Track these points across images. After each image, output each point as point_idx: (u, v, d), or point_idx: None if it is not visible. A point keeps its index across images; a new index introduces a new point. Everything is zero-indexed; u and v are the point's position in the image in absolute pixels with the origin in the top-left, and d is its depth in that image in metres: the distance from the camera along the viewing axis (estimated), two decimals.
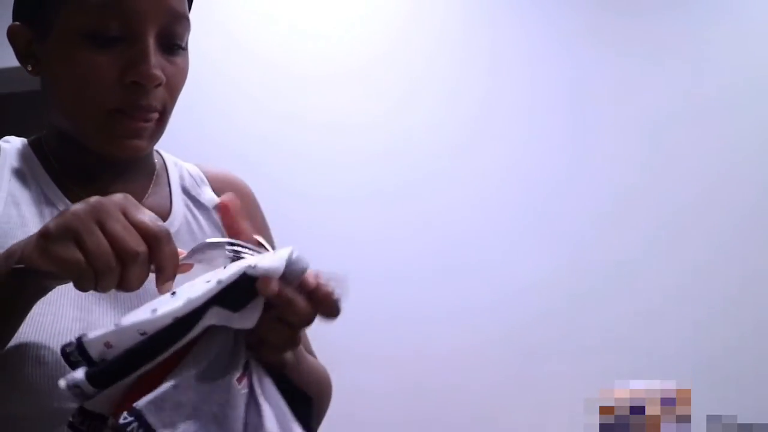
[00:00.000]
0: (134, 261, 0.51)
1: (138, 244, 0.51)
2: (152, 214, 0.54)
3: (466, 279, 2.03)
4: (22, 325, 0.60)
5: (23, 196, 0.72)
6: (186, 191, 0.83)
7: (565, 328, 1.96)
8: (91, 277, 0.51)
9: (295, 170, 2.13)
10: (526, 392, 1.94)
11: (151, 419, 0.47)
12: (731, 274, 1.92)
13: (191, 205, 0.81)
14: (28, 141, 0.78)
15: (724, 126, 1.99)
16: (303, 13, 2.26)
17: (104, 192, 0.75)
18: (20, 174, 0.73)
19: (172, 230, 0.74)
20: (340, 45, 2.23)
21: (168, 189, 0.81)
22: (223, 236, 0.58)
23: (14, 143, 0.77)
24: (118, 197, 0.54)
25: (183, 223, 0.78)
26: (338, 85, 2.20)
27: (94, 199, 0.54)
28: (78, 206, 0.53)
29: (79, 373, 0.50)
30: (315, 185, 2.10)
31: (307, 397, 0.57)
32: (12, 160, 0.74)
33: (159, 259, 0.53)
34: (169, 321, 0.50)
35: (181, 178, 0.84)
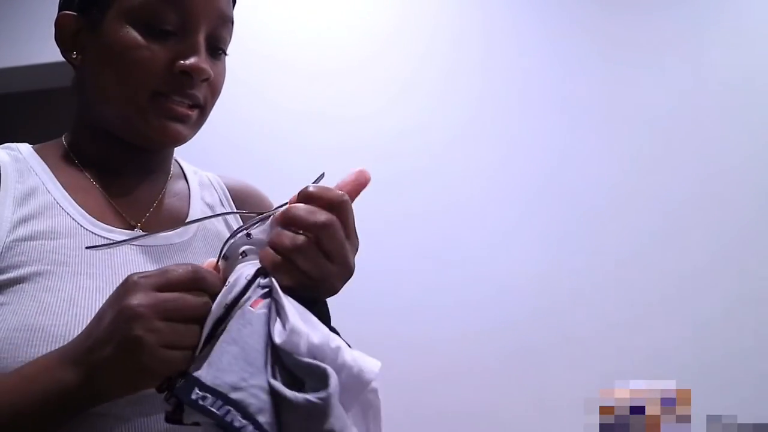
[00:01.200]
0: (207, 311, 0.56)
1: (200, 301, 0.55)
2: (174, 269, 0.56)
3: (463, 277, 2.03)
4: (48, 338, 0.61)
5: (31, 209, 0.70)
6: (204, 199, 0.85)
7: (565, 328, 1.96)
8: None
9: (295, 162, 2.13)
10: (526, 392, 1.94)
11: (192, 369, 0.53)
12: (731, 274, 1.92)
13: (207, 211, 0.83)
14: (33, 147, 0.78)
15: (721, 124, 1.99)
16: (301, 9, 2.27)
17: (126, 186, 0.77)
18: (24, 186, 0.72)
19: (188, 235, 0.77)
20: (338, 40, 2.23)
21: (187, 193, 0.83)
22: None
23: (15, 152, 0.76)
24: (141, 281, 0.55)
25: (199, 228, 0.80)
26: (336, 78, 2.20)
27: (140, 296, 0.54)
28: (133, 310, 0.53)
29: None
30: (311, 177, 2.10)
31: (323, 301, 0.61)
32: (13, 173, 0.72)
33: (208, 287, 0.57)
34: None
35: (201, 185, 0.86)
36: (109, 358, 0.53)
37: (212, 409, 0.49)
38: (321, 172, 0.63)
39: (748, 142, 1.98)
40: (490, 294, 2.01)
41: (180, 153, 0.91)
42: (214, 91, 0.76)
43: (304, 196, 0.59)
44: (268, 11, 2.29)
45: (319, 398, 0.49)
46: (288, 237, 0.56)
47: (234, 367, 0.51)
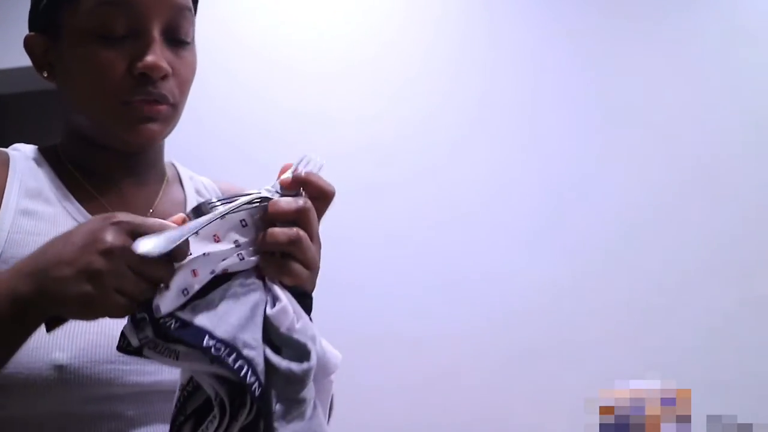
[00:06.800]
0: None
1: (159, 270, 0.54)
2: (153, 221, 0.55)
3: (464, 278, 2.02)
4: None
5: (36, 206, 0.73)
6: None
7: (565, 328, 1.96)
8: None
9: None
10: (526, 392, 1.94)
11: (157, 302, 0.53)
12: (731, 274, 1.92)
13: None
14: (38, 148, 0.80)
15: (727, 123, 1.99)
16: (302, 10, 2.27)
17: (121, 192, 0.78)
18: (32, 183, 0.74)
19: None
20: (339, 41, 2.23)
21: (183, 199, 0.84)
22: None
23: (24, 151, 0.79)
24: (114, 224, 0.54)
25: None
26: (338, 80, 2.20)
27: (104, 238, 0.53)
28: (90, 254, 0.52)
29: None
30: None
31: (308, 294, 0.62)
32: (23, 170, 0.75)
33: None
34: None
35: (197, 191, 0.87)
36: (63, 279, 0.53)
37: (228, 360, 0.50)
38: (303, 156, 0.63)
39: (750, 141, 1.97)
40: (491, 294, 2.00)
41: (177, 154, 0.91)
42: (182, 84, 0.76)
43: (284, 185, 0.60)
44: (269, 12, 2.28)
45: (301, 369, 0.54)
46: (281, 232, 0.57)
47: (246, 326, 0.53)
